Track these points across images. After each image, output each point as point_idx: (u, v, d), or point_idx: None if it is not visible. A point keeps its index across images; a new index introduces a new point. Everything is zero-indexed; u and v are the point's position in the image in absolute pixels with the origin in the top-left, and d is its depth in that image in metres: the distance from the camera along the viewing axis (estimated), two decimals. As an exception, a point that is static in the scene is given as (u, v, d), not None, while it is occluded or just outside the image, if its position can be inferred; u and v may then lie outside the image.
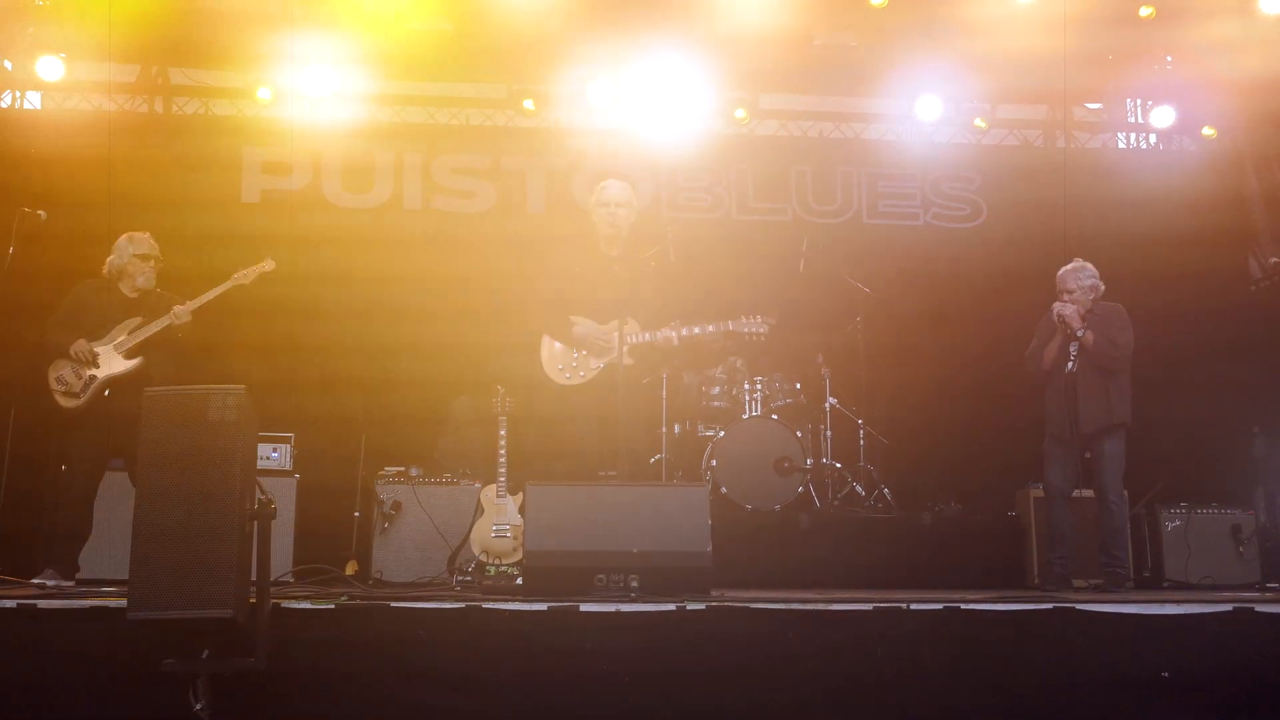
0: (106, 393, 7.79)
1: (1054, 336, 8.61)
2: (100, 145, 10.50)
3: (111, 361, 7.83)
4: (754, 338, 8.17)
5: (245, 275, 8.21)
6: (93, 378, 7.78)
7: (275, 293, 9.18)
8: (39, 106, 11.10)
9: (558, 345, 8.03)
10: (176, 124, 11.21)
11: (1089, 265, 8.67)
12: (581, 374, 7.97)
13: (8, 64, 10.80)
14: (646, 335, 7.94)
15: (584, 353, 7.98)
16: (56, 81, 10.65)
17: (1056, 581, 8.48)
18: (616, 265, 7.98)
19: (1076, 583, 8.64)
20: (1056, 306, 8.54)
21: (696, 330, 8.05)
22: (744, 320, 8.13)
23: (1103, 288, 8.64)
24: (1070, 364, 8.55)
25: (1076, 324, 8.47)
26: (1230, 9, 9.99)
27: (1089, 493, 8.81)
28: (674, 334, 7.98)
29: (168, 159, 10.71)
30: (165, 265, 8.23)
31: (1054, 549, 8.66)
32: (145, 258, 8.06)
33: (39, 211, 7.86)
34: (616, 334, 7.78)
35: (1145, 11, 10.15)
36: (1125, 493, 8.83)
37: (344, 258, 10.76)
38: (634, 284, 7.96)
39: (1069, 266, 8.67)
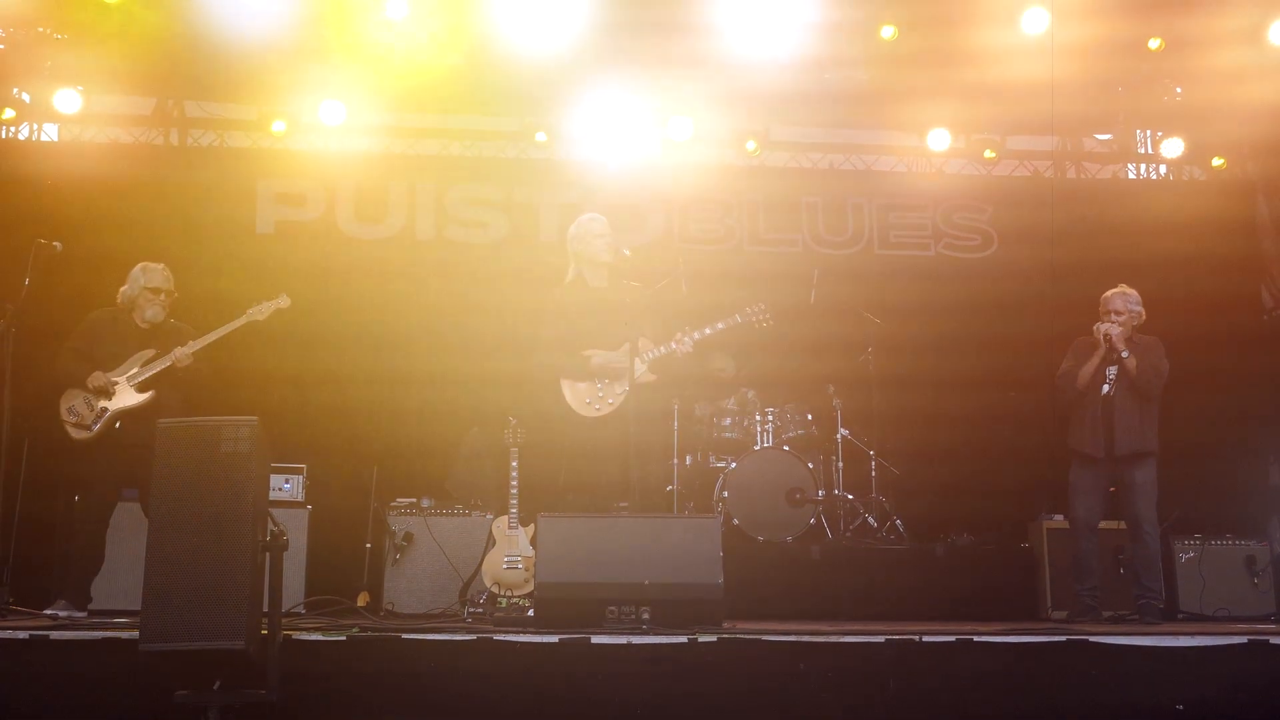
0: (117, 425, 7.82)
1: (1090, 358, 8.61)
2: (116, 177, 10.60)
3: (124, 394, 7.86)
4: (761, 324, 8.12)
5: (260, 311, 8.23)
6: (104, 409, 7.80)
7: (288, 323, 9.20)
8: (56, 138, 11.16)
9: (579, 383, 7.98)
10: (192, 156, 11.25)
11: (1134, 291, 8.67)
12: (610, 402, 7.89)
13: (25, 96, 10.86)
14: (661, 349, 7.91)
15: (607, 381, 7.94)
16: (73, 113, 10.72)
17: (1087, 614, 8.42)
18: (610, 294, 7.97)
19: (1105, 614, 8.60)
20: (1103, 326, 8.53)
21: (707, 331, 8.01)
22: (748, 310, 8.09)
23: (1144, 316, 8.65)
24: (1106, 386, 8.57)
25: (1121, 345, 8.48)
26: (1239, 39, 9.99)
27: (1113, 524, 8.79)
28: (687, 339, 7.95)
29: (183, 190, 10.74)
30: (180, 296, 8.24)
31: (1083, 581, 8.58)
32: (156, 290, 8.07)
33: (55, 242, 7.88)
34: (633, 358, 7.74)
35: (1154, 43, 10.18)
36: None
37: (357, 288, 10.77)
38: (637, 306, 7.93)
39: (1115, 290, 8.67)
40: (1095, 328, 8.58)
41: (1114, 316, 8.56)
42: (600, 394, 7.93)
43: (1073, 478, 8.71)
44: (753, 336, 8.31)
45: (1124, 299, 8.61)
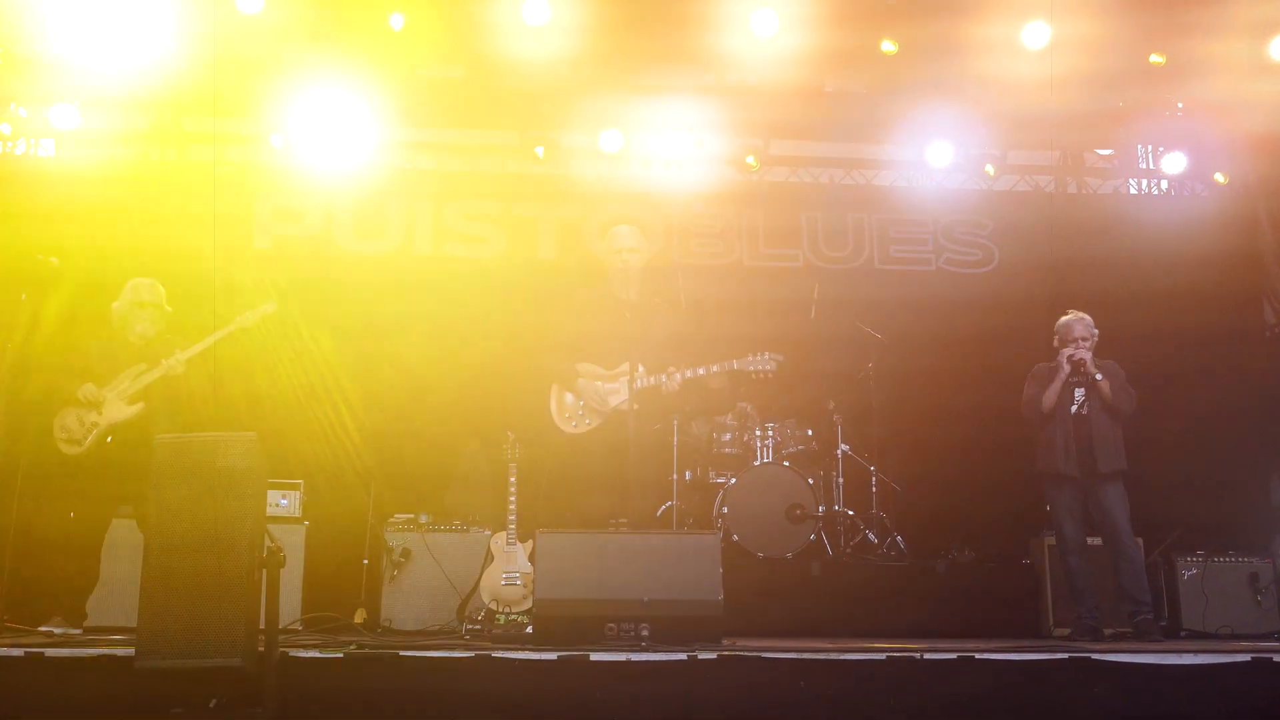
0: (109, 439, 7.79)
1: (1052, 382, 8.60)
2: (112, 193, 10.56)
3: (114, 408, 7.82)
4: (761, 376, 8.08)
5: (246, 318, 8.20)
6: (94, 424, 7.78)
7: (286, 339, 9.18)
8: (52, 154, 11.11)
9: (565, 394, 7.99)
10: (189, 171, 11.21)
11: (1087, 315, 8.70)
12: (588, 421, 7.93)
13: (22, 112, 10.83)
14: (651, 379, 7.88)
15: (585, 402, 7.93)
16: (70, 129, 10.69)
17: (1089, 635, 8.37)
18: (629, 310, 7.94)
19: (1106, 631, 8.54)
20: (1073, 353, 8.52)
21: (701, 371, 7.98)
22: (750, 359, 8.04)
23: (1098, 337, 8.67)
24: (1075, 406, 8.59)
25: (1094, 370, 8.48)
26: (1240, 55, 9.96)
27: (1097, 541, 8.76)
28: (678, 375, 7.91)
29: (180, 206, 10.69)
30: (177, 311, 8.22)
31: (1083, 603, 8.55)
32: (143, 304, 8.04)
33: (51, 258, 7.86)
34: (621, 381, 7.73)
35: (1156, 58, 10.16)
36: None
37: (355, 304, 10.74)
38: (644, 328, 7.91)
39: (1072, 317, 8.70)
40: (1062, 354, 8.57)
41: (1081, 343, 8.57)
42: (579, 412, 7.92)
43: (1051, 499, 8.72)
44: (748, 348, 8.25)
45: (1083, 324, 8.63)
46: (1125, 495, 8.53)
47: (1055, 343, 8.73)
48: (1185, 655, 6.46)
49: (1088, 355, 8.51)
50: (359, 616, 8.61)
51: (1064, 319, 8.73)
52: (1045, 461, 8.69)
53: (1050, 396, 8.60)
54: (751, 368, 8.00)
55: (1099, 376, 8.49)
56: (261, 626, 5.59)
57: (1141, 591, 8.44)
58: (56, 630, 7.39)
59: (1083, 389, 8.59)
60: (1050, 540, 9.38)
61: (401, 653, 6.10)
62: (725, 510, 9.51)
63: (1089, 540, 8.74)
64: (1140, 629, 8.31)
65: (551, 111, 11.10)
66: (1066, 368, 8.52)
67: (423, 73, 10.18)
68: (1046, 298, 10.62)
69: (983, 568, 9.64)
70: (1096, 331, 8.63)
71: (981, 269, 11.79)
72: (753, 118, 11.33)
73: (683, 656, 6.10)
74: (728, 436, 10.07)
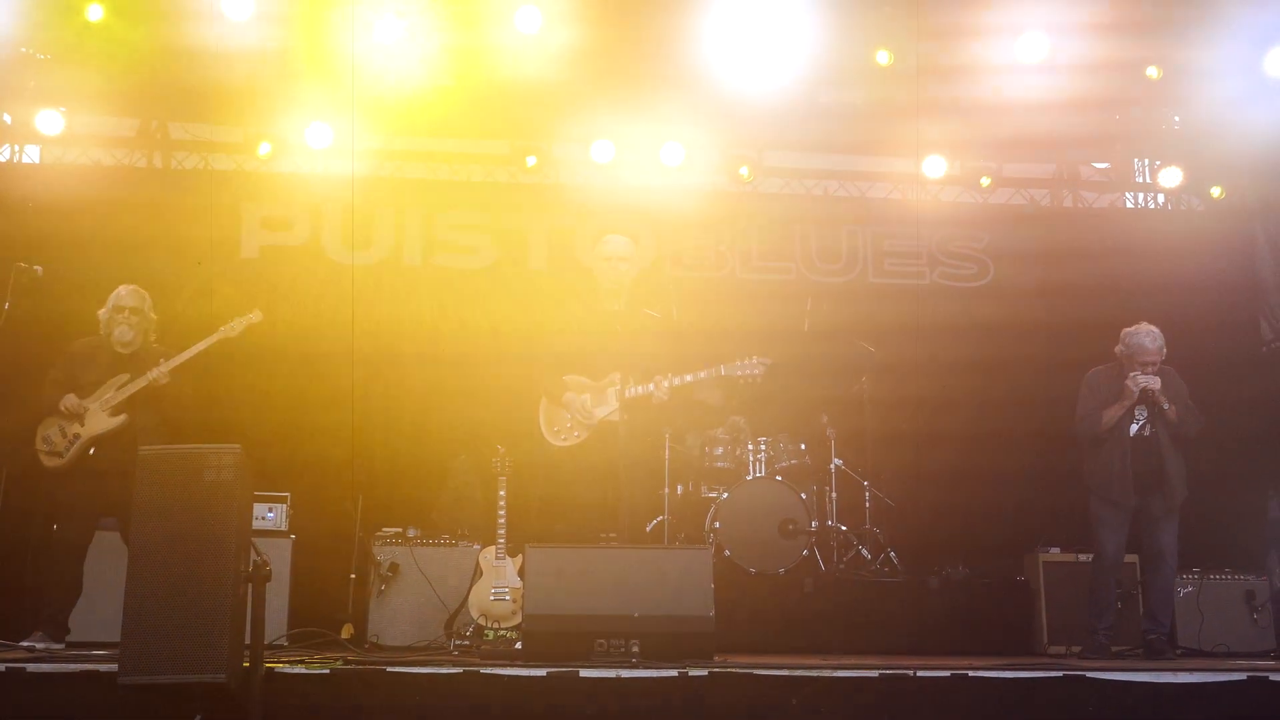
0: (91, 451, 7.74)
1: (1109, 394, 8.33)
2: (98, 199, 10.51)
3: (97, 419, 7.76)
4: (749, 380, 7.99)
5: (232, 328, 8.14)
6: (76, 436, 7.73)
7: (273, 349, 9.12)
8: (38, 160, 11.05)
9: (554, 408, 7.93)
10: (175, 178, 11.14)
11: (1156, 328, 8.32)
12: (576, 434, 7.87)
13: (7, 117, 10.80)
14: (639, 389, 7.80)
15: (574, 414, 7.87)
16: (55, 135, 10.62)
17: (1100, 652, 8.23)
18: (618, 321, 7.89)
19: (1113, 649, 8.45)
20: (1142, 380, 8.17)
21: (689, 378, 7.90)
22: (737, 364, 7.93)
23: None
24: (1136, 426, 8.35)
25: (1165, 401, 8.19)
26: (1237, 69, 9.95)
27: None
28: (666, 383, 7.83)
29: (166, 214, 10.62)
30: (163, 320, 8.17)
31: (1102, 619, 8.39)
32: (120, 309, 7.97)
33: (35, 266, 7.80)
34: (609, 392, 7.69)
35: (1152, 71, 10.14)
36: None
37: (343, 314, 10.65)
38: (633, 339, 7.86)
39: (1145, 330, 8.29)
40: (1132, 378, 8.19)
41: (1150, 368, 8.21)
42: (568, 425, 7.87)
43: (1097, 514, 8.48)
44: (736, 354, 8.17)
45: (1155, 342, 8.22)
46: (1177, 515, 8.41)
47: (1118, 349, 8.40)
48: (1180, 674, 6.48)
49: (1157, 383, 8.16)
50: (346, 632, 8.55)
51: (1135, 332, 8.30)
52: (1098, 484, 8.45)
53: (1110, 419, 8.31)
54: (740, 372, 7.92)
55: (1167, 406, 8.20)
56: (247, 642, 5.55)
57: (1166, 615, 8.38)
58: (39, 645, 7.30)
59: (1142, 407, 8.30)
60: (1045, 556, 9.36)
61: (389, 669, 6.06)
62: (717, 525, 9.43)
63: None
64: (1153, 647, 8.23)
65: (543, 121, 11.08)
66: (1136, 394, 8.20)
67: (412, 81, 10.10)
68: (1042, 312, 10.56)
69: (977, 584, 9.55)
70: (1164, 348, 8.28)
71: (976, 283, 11.73)
72: (746, 129, 11.30)
73: (673, 673, 6.06)
74: (719, 450, 10.01)
